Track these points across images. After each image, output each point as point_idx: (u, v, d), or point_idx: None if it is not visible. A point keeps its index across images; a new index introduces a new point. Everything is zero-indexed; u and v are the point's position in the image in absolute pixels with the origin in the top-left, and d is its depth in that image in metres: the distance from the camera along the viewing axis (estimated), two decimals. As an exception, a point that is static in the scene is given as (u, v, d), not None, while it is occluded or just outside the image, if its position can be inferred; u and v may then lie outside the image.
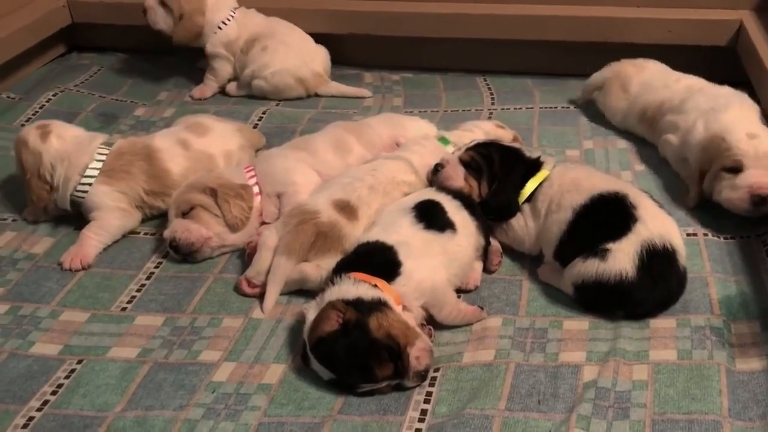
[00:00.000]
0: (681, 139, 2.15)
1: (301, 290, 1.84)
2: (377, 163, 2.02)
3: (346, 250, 1.81)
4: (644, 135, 2.36)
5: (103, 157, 2.08)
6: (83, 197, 2.06)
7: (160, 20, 2.79)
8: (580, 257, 1.70)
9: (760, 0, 2.62)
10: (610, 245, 1.67)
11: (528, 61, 2.88)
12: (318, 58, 2.86)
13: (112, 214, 2.05)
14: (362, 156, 2.16)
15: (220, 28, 2.79)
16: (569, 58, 2.82)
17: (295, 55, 2.79)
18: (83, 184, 2.05)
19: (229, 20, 2.80)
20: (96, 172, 2.06)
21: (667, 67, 2.42)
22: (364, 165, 2.03)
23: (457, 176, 1.93)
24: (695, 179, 2.03)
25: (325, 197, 1.90)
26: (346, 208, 1.87)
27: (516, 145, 2.09)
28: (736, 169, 1.92)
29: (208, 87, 2.88)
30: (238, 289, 1.87)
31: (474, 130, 2.20)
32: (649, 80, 2.37)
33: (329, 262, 1.78)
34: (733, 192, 1.91)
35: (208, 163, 2.19)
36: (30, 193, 2.09)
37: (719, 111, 2.06)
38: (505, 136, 2.19)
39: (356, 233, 1.84)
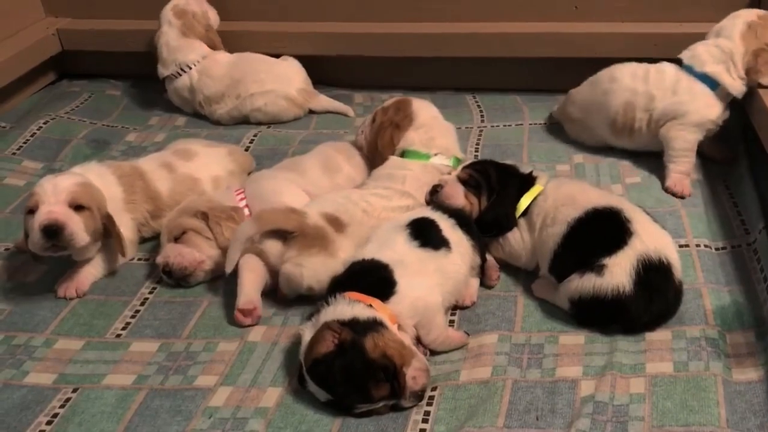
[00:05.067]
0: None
1: (297, 310, 1.84)
2: (372, 191, 2.00)
3: (330, 254, 1.80)
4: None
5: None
6: None
7: None
8: (576, 273, 1.71)
9: (742, 12, 2.65)
10: (606, 260, 1.68)
11: (516, 78, 2.90)
12: (294, 74, 2.86)
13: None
14: (351, 175, 2.17)
15: (172, 77, 2.84)
16: (557, 74, 2.84)
17: (273, 82, 2.80)
18: None
19: (180, 74, 2.83)
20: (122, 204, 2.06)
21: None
22: (358, 190, 2.02)
23: (458, 194, 1.94)
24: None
25: (316, 208, 1.90)
26: (335, 222, 1.87)
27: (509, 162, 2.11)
28: None
29: None
30: (235, 322, 1.83)
31: None
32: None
33: (311, 261, 1.78)
34: None
35: (194, 186, 2.20)
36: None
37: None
38: None
39: (341, 244, 1.83)
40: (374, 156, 2.18)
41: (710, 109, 2.23)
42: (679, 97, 2.24)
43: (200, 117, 2.90)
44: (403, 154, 2.12)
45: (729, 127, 2.31)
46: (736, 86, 2.22)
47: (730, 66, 2.22)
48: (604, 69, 2.44)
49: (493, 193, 1.93)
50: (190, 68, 2.82)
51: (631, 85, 2.32)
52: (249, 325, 1.82)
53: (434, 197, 1.96)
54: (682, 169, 2.21)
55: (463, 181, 1.96)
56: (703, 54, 2.26)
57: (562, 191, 1.87)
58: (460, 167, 2.02)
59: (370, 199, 1.96)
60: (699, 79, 2.24)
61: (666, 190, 2.19)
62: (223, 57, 2.87)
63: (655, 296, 1.67)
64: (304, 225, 1.82)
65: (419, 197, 2.01)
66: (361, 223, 1.90)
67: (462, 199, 1.94)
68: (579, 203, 1.80)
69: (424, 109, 2.21)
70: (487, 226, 1.91)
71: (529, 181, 1.94)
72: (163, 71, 2.86)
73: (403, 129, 2.15)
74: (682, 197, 2.15)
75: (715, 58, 2.23)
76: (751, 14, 2.26)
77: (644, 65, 2.35)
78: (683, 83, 2.25)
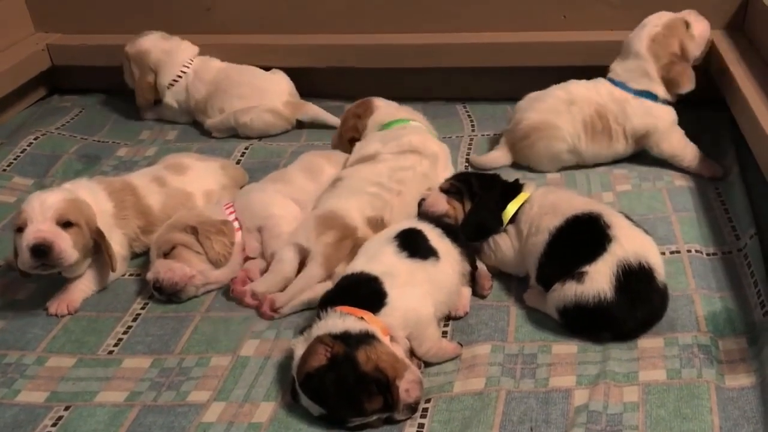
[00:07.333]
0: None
1: (290, 324, 1.84)
2: (393, 163, 2.10)
3: None
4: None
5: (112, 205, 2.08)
6: None
7: (128, 77, 2.95)
8: (559, 282, 1.71)
9: (730, 20, 2.67)
10: (587, 267, 1.68)
11: (506, 88, 2.90)
12: (278, 87, 2.85)
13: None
14: (333, 175, 2.19)
15: (172, 84, 2.87)
16: (547, 84, 2.83)
17: (256, 97, 2.79)
18: None
19: (181, 76, 2.85)
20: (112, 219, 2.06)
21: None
22: (384, 167, 2.09)
23: (440, 202, 1.98)
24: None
25: (358, 211, 1.95)
26: (379, 224, 1.94)
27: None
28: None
29: None
30: (238, 299, 1.92)
31: None
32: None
33: None
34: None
35: (186, 200, 2.19)
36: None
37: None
38: None
39: None
40: (340, 141, 2.44)
41: (668, 114, 2.34)
42: (639, 114, 2.33)
43: (191, 130, 2.90)
44: (383, 129, 2.29)
45: (718, 140, 2.35)
46: (667, 95, 2.35)
47: (653, 79, 2.33)
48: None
49: (475, 198, 1.96)
50: (188, 67, 2.85)
51: (594, 96, 2.38)
52: (248, 306, 1.90)
53: (420, 209, 1.99)
54: (693, 159, 2.31)
55: (445, 191, 2.00)
56: (626, 74, 2.36)
57: (548, 199, 1.88)
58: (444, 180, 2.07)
59: (399, 175, 2.05)
60: (638, 95, 2.34)
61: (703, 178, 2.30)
62: (215, 63, 2.89)
63: (638, 301, 1.66)
64: (357, 242, 1.89)
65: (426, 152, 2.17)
66: (399, 210, 1.99)
67: (444, 205, 1.97)
68: (560, 211, 1.81)
69: (384, 104, 2.46)
70: (472, 229, 1.92)
71: (515, 188, 1.96)
72: (165, 78, 2.86)
73: (364, 118, 2.39)
74: (720, 178, 2.28)
75: (638, 75, 2.34)
76: (655, 25, 2.35)
77: (583, 82, 2.43)
78: (632, 101, 2.34)
